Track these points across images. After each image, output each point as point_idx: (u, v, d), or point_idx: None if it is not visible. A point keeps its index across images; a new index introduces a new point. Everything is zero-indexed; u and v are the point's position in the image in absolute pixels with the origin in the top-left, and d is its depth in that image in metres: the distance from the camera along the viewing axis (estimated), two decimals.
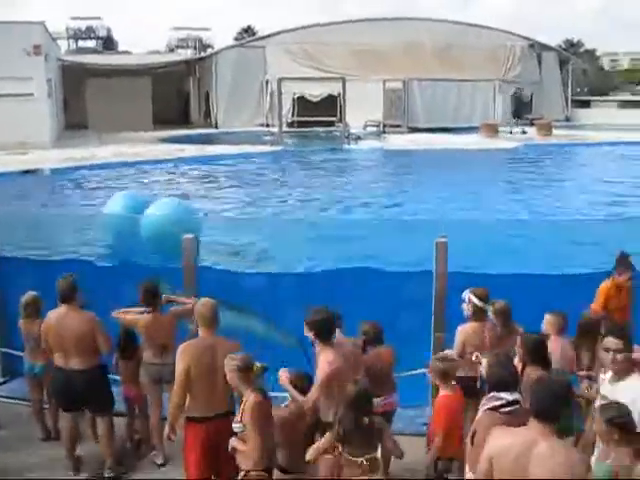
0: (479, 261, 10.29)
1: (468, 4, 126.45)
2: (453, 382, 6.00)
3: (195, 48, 55.34)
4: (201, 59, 47.09)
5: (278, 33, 44.62)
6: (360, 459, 5.32)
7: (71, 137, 34.30)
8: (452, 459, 5.88)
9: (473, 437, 4.90)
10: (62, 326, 6.71)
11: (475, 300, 6.84)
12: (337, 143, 33.34)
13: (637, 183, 22.00)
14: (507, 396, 4.83)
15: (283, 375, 5.91)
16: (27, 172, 23.03)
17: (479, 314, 6.86)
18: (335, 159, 29.01)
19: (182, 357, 5.72)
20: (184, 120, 46.12)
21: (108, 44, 58.91)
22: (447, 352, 7.02)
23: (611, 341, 5.24)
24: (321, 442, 5.48)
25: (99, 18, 58.88)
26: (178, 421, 5.81)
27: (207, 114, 45.15)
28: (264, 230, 12.95)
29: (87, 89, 41.06)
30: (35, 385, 7.74)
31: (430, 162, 27.46)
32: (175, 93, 47.79)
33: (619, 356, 5.15)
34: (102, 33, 58.94)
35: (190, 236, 8.57)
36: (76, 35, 57.47)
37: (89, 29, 58.17)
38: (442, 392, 5.97)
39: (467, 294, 6.94)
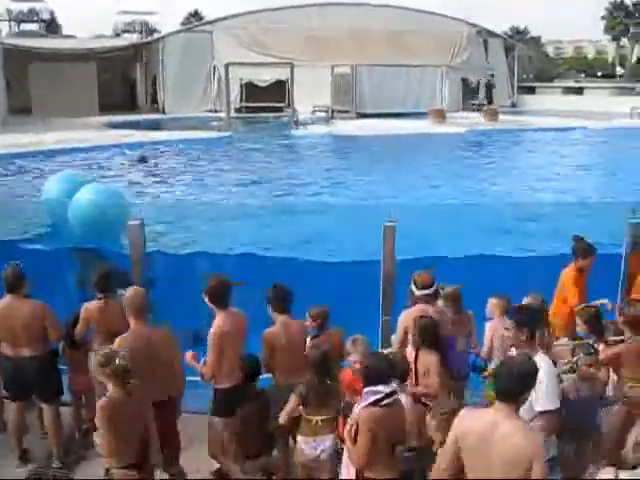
0: (426, 245, 10.47)
1: None
2: None
3: (142, 32, 54.63)
4: (147, 44, 46.49)
5: (225, 18, 44.22)
6: (316, 418, 5.75)
7: (15, 123, 33.56)
8: None
9: (356, 435, 4.99)
10: (10, 315, 6.66)
11: (412, 286, 6.77)
12: (285, 129, 33.25)
13: (576, 167, 22.65)
14: (384, 389, 4.95)
15: (188, 355, 6.21)
16: None
17: (413, 298, 6.77)
18: (282, 144, 28.95)
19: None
20: (131, 106, 45.43)
21: (52, 27, 57.79)
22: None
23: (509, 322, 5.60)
24: (288, 405, 5.79)
25: (42, 0, 57.67)
26: None
27: (154, 100, 44.64)
28: (204, 214, 12.94)
29: (30, 73, 40.20)
30: None
31: (378, 147, 27.62)
32: (121, 78, 47.07)
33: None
34: (45, 16, 57.85)
35: (136, 222, 8.50)
36: (18, 18, 56.24)
37: (31, 11, 57.06)
38: None
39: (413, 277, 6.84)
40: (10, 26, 55.65)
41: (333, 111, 39.60)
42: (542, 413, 5.17)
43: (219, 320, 6.19)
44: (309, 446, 5.87)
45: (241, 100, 39.46)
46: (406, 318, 6.68)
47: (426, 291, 6.69)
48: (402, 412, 5.11)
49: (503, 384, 4.22)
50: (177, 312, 7.30)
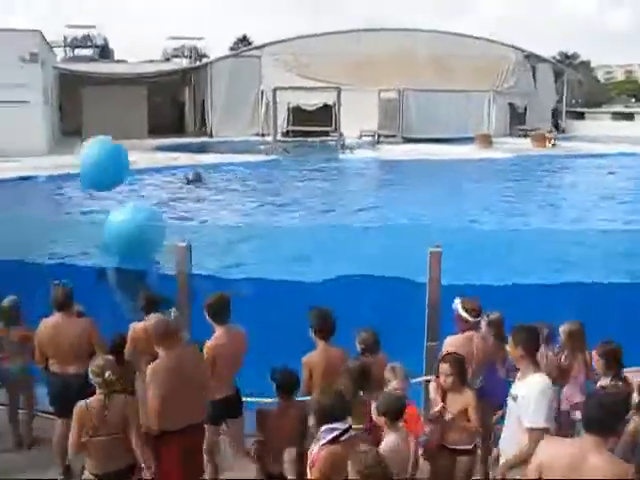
0: (471, 270, 10.35)
1: (463, 13, 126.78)
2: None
3: (190, 57, 55.44)
4: (196, 68, 47.23)
5: (273, 43, 44.74)
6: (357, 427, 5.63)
7: (66, 144, 34.22)
8: None
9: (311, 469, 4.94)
10: (58, 333, 6.81)
11: (461, 311, 6.71)
12: (332, 153, 33.38)
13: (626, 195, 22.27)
14: (340, 426, 4.96)
15: None
16: (23, 179, 23.01)
17: (466, 325, 6.71)
18: (329, 168, 29.07)
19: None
20: (179, 129, 46.17)
21: (104, 53, 58.97)
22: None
23: None
24: None
25: (94, 27, 59.04)
26: None
27: (202, 123, 45.24)
28: (256, 237, 13.01)
29: (83, 97, 41.10)
30: (11, 390, 7.86)
31: (424, 172, 27.56)
32: (170, 102, 47.86)
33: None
34: (99, 42, 59.11)
35: (183, 244, 8.54)
36: (73, 43, 57.59)
37: (85, 37, 58.33)
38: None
39: (456, 304, 6.80)
40: (65, 52, 56.97)
41: (379, 135, 39.65)
42: (532, 430, 5.13)
43: (216, 334, 6.41)
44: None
45: (288, 124, 39.75)
46: (453, 344, 6.65)
47: (477, 318, 6.70)
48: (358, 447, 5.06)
49: (594, 416, 4.20)
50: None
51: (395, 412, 5.38)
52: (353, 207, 19.56)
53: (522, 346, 5.33)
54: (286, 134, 38.76)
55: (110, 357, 5.91)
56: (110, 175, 11.46)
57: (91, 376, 5.66)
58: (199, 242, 9.80)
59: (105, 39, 60.59)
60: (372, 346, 6.53)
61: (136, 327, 7.01)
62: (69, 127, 40.04)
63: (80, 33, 58.12)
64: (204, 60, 50.71)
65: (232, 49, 62.05)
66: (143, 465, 5.67)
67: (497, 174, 28.74)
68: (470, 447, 6.04)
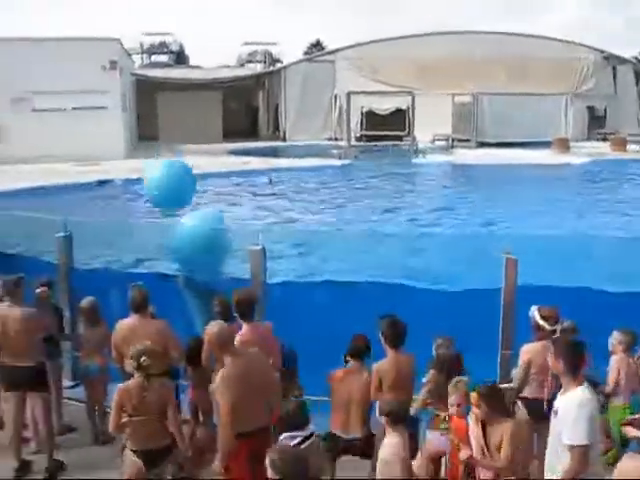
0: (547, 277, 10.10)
1: (537, 16, 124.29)
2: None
3: (264, 62, 55.92)
4: (270, 73, 47.60)
5: (347, 48, 44.74)
6: (444, 414, 6.18)
7: (143, 149, 35.02)
8: None
9: None
10: (135, 334, 6.89)
11: (538, 318, 6.59)
12: (405, 157, 33.18)
13: None
14: (302, 433, 5.34)
15: None
16: (101, 183, 23.58)
17: (542, 333, 6.55)
18: (403, 173, 28.88)
19: None
20: (253, 133, 46.63)
21: (180, 58, 60.05)
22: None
23: None
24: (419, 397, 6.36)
25: (170, 34, 60.21)
26: None
27: (275, 127, 45.58)
28: (329, 242, 12.96)
29: (159, 102, 41.97)
30: (89, 387, 8.04)
31: (498, 177, 27.08)
32: (244, 106, 48.40)
33: None
34: (174, 48, 60.22)
35: (257, 248, 8.53)
36: (149, 50, 58.87)
37: (162, 44, 59.53)
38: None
39: (533, 311, 6.70)
40: (142, 58, 58.27)
41: (453, 140, 39.24)
42: (572, 448, 4.93)
43: (243, 331, 6.69)
44: (437, 439, 6.31)
45: (361, 128, 39.64)
46: (530, 351, 6.57)
47: (554, 326, 6.52)
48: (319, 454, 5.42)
49: None
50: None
51: (397, 415, 5.56)
52: (430, 212, 19.39)
53: (563, 359, 5.12)
54: (359, 138, 38.68)
55: (149, 343, 6.17)
56: (175, 200, 11.62)
57: (130, 362, 6.01)
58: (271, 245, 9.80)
59: (181, 45, 61.73)
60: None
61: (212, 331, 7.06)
62: (146, 132, 40.93)
63: (157, 40, 59.29)
64: (278, 65, 51.06)
65: (306, 54, 62.33)
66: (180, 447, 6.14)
67: (574, 179, 28.07)
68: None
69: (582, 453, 4.85)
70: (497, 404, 5.69)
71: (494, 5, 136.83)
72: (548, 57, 43.42)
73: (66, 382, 8.96)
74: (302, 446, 5.18)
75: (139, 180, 23.85)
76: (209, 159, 30.01)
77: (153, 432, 5.95)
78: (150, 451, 5.94)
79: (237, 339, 6.42)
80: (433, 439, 6.37)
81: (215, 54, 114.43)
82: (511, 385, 6.70)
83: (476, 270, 10.28)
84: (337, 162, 31.30)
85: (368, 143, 37.47)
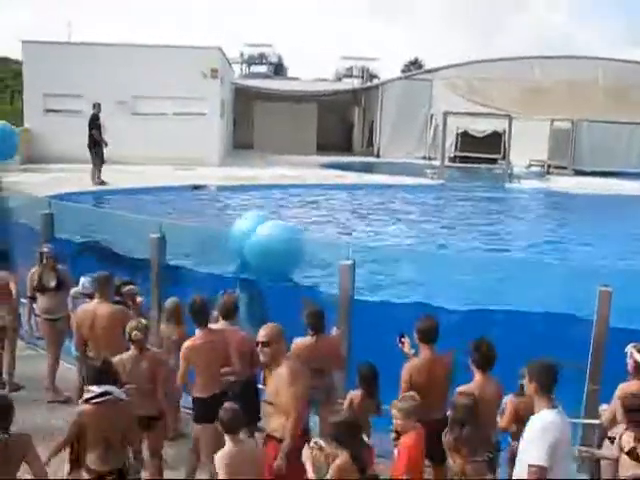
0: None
1: None
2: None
3: (362, 77, 56.08)
4: (367, 89, 47.66)
5: (445, 67, 44.39)
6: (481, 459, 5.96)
7: (237, 156, 35.60)
8: None
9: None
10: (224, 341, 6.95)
11: (637, 356, 6.37)
12: (499, 181, 32.59)
13: None
14: (97, 389, 5.60)
15: None
16: (196, 187, 24.00)
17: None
18: (498, 197, 28.37)
19: None
20: (346, 147, 46.75)
21: (278, 70, 60.90)
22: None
23: None
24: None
25: (270, 45, 61.19)
26: None
27: (369, 143, 45.55)
28: (416, 263, 12.82)
29: (255, 112, 42.59)
30: None
31: (596, 207, 26.28)
32: (340, 120, 48.54)
33: None
34: (273, 59, 61.18)
35: (348, 262, 8.45)
36: (249, 60, 60.05)
37: (261, 55, 60.62)
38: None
39: (630, 349, 6.49)
40: (242, 69, 59.51)
41: (549, 166, 38.36)
42: (529, 466, 4.97)
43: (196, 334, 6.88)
44: None
45: (455, 149, 39.20)
46: (627, 390, 6.29)
47: None
48: (115, 411, 5.62)
49: None
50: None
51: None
52: (524, 238, 19.00)
53: (536, 381, 5.20)
54: (453, 159, 38.26)
55: (143, 320, 6.85)
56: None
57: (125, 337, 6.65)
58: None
59: (279, 57, 62.62)
60: None
61: (299, 342, 7.01)
62: (241, 140, 41.61)
63: (257, 51, 60.39)
64: (375, 81, 51.10)
65: (403, 71, 62.22)
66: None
67: None
68: None
69: (539, 473, 4.92)
70: None
71: (607, 30, 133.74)
72: None
73: None
74: (94, 401, 5.55)
75: (230, 188, 24.46)
76: (303, 171, 30.21)
77: (143, 401, 6.46)
78: (141, 418, 6.32)
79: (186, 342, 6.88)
80: None
81: (312, 67, 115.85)
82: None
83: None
84: (429, 182, 31.02)
85: (462, 164, 37.02)
